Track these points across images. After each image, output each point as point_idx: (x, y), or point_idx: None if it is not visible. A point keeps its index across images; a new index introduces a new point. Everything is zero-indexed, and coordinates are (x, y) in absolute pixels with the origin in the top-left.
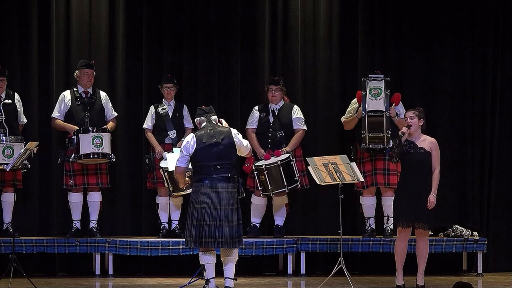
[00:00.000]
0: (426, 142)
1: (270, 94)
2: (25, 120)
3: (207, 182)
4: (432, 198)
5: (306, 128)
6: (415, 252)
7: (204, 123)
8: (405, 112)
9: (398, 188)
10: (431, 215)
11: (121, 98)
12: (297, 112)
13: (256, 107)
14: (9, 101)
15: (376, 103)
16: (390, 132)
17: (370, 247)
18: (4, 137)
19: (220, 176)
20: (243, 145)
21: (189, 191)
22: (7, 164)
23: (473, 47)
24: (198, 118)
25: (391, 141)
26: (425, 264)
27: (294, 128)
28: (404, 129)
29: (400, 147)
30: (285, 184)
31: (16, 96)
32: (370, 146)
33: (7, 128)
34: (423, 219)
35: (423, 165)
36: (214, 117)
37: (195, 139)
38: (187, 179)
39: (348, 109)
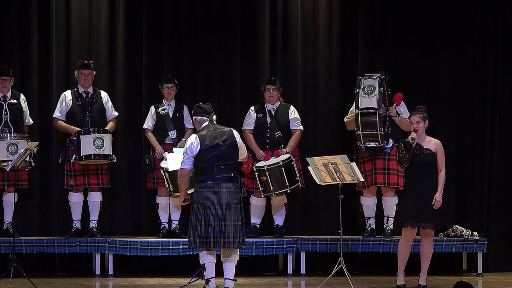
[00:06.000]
0: (432, 143)
1: (268, 94)
2: (31, 121)
3: (210, 182)
4: (438, 197)
5: (302, 129)
6: (418, 252)
7: (206, 123)
8: (410, 116)
9: (405, 189)
10: (438, 215)
11: (121, 98)
12: (293, 113)
13: (253, 108)
14: (15, 101)
15: (369, 101)
16: (385, 130)
17: (370, 247)
18: (9, 135)
19: (223, 176)
20: (242, 146)
21: (191, 191)
22: (11, 160)
23: (473, 47)
24: (199, 117)
25: (390, 140)
26: (429, 264)
27: (291, 128)
28: (414, 135)
29: (410, 153)
30: (287, 184)
31: (22, 96)
32: (366, 144)
33: (12, 128)
34: (430, 219)
35: (429, 166)
36: (214, 117)
37: (198, 140)
38: (187, 197)
39: (350, 109)
